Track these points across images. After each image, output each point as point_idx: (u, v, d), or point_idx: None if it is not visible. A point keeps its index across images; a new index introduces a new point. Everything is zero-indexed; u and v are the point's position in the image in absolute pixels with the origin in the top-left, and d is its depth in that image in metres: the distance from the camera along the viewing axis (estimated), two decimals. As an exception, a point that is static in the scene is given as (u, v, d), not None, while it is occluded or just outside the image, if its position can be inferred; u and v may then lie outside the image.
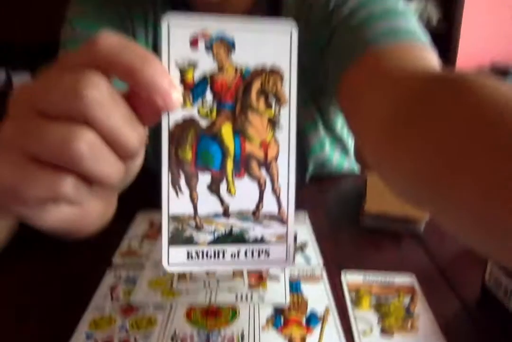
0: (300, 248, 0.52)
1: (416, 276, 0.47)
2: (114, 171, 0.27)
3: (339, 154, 0.76)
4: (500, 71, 2.44)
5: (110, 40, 0.25)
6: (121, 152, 0.26)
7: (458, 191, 0.25)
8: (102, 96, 0.24)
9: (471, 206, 0.24)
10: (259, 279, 0.45)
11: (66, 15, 0.66)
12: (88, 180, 0.26)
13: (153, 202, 0.56)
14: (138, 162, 0.30)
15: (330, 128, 0.72)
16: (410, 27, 0.51)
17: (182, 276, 0.46)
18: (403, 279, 0.47)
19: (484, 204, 0.23)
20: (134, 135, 0.26)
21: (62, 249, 0.52)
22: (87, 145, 0.24)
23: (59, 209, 0.29)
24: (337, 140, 0.74)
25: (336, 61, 0.54)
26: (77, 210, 0.30)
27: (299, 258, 0.50)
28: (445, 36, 2.46)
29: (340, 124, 0.73)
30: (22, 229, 0.56)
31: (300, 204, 0.61)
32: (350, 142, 0.77)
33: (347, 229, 0.57)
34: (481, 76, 0.29)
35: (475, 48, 2.67)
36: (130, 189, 0.64)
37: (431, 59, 0.47)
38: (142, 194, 0.68)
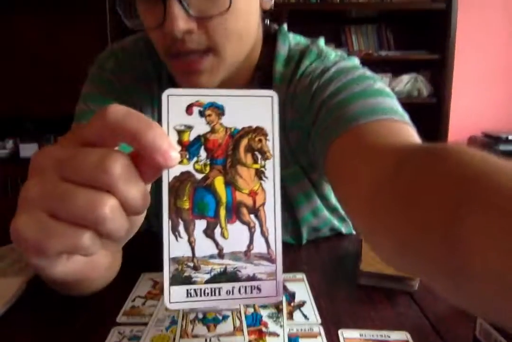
0: (298, 306, 0.54)
1: (411, 333, 0.48)
2: (125, 227, 0.31)
3: (337, 221, 0.79)
4: (492, 138, 2.52)
5: (117, 110, 0.30)
6: (130, 212, 0.30)
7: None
8: (123, 171, 0.29)
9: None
10: (259, 335, 0.47)
11: (81, 91, 0.73)
12: (101, 234, 0.30)
13: (157, 263, 0.60)
14: (141, 217, 0.34)
15: (325, 199, 0.75)
16: (389, 105, 0.56)
17: (184, 334, 0.47)
18: (398, 336, 0.48)
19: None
20: (141, 196, 0.30)
21: (67, 307, 0.54)
22: (110, 209, 0.29)
23: (73, 260, 0.33)
24: (333, 210, 0.77)
25: (321, 138, 0.58)
26: (87, 261, 0.34)
27: (297, 316, 0.52)
28: (436, 108, 2.57)
29: (333, 195, 0.75)
30: (27, 288, 0.59)
31: (298, 265, 0.64)
32: None
33: (343, 287, 0.59)
34: (459, 146, 0.33)
35: (466, 119, 2.77)
36: (135, 251, 0.67)
37: (412, 134, 0.51)
38: (146, 256, 0.70)
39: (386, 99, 0.57)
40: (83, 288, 0.45)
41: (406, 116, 0.55)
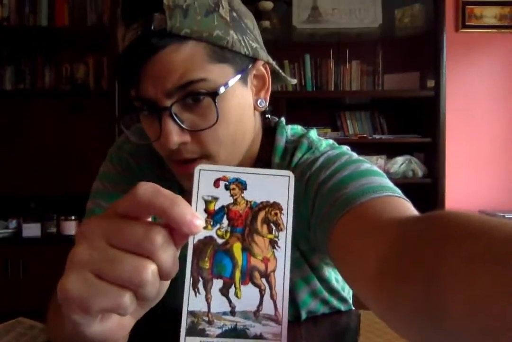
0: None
1: None
2: (157, 291, 0.35)
3: (337, 302, 0.79)
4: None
5: (146, 188, 0.34)
6: (164, 276, 0.35)
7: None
8: (164, 240, 0.34)
9: None
10: None
11: (100, 170, 0.80)
12: (138, 296, 0.34)
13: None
14: (165, 287, 0.38)
15: (325, 282, 0.76)
16: (379, 183, 0.59)
17: None
18: None
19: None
20: (174, 262, 0.35)
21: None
22: (152, 274, 0.34)
23: (108, 320, 0.37)
24: (333, 292, 0.78)
25: (322, 225, 0.61)
26: (118, 323, 0.38)
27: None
28: (432, 188, 2.62)
29: (334, 278, 0.77)
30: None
31: (298, 340, 0.65)
32: (348, 292, 0.81)
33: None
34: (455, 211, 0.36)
35: (462, 198, 2.82)
36: (146, 331, 0.69)
37: (408, 206, 0.54)
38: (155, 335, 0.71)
39: (376, 177, 0.61)
40: None
41: (398, 191, 0.58)
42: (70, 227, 2.59)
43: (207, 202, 0.36)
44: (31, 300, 1.74)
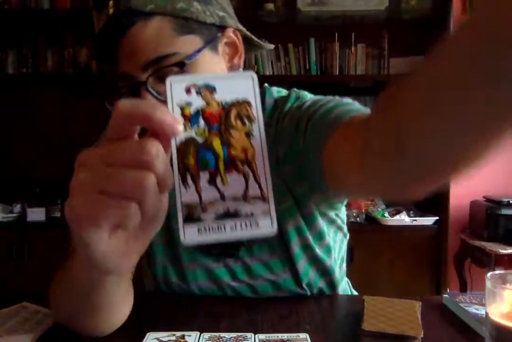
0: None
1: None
2: (157, 205, 0.38)
3: (331, 262, 0.83)
4: (494, 203, 2.55)
5: (125, 103, 0.37)
6: (163, 187, 0.38)
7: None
8: (158, 150, 0.36)
9: None
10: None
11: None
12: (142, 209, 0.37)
13: (162, 323, 0.62)
14: (162, 213, 0.41)
15: (319, 237, 0.81)
16: (362, 107, 0.69)
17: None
18: None
19: None
20: (169, 170, 0.38)
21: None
22: (153, 183, 0.36)
23: (115, 237, 0.40)
24: (327, 250, 0.82)
25: (314, 144, 0.67)
26: (124, 247, 0.41)
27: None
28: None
29: (327, 233, 0.82)
30: None
31: (301, 326, 0.65)
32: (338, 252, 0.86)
33: (347, 346, 0.60)
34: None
35: (467, 184, 2.81)
36: (140, 312, 0.69)
37: None
38: (151, 316, 0.72)
39: (356, 104, 0.71)
40: (107, 294, 0.51)
41: None
42: (75, 211, 2.60)
43: (182, 108, 0.40)
44: (35, 284, 1.75)
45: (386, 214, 2.61)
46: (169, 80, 0.40)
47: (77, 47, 2.75)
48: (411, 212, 2.64)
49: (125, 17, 0.63)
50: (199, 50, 0.66)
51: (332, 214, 0.83)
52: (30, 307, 0.72)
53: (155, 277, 0.83)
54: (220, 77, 0.41)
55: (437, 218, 2.56)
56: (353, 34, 2.76)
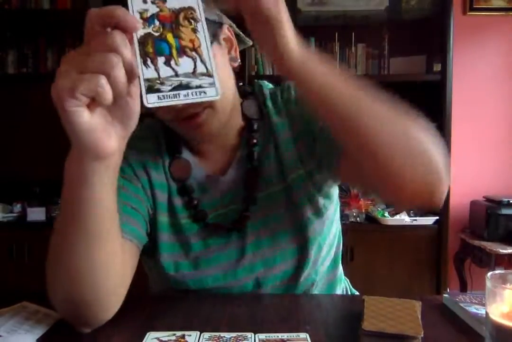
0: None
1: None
2: (125, 85, 0.49)
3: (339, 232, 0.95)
4: (494, 202, 2.54)
5: (93, 9, 0.49)
6: (128, 70, 0.49)
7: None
8: (122, 38, 0.48)
9: None
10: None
11: None
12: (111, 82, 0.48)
13: (161, 323, 0.62)
14: (136, 99, 0.53)
15: (328, 197, 0.88)
16: None
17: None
18: None
19: None
20: (133, 59, 0.50)
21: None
22: (117, 59, 0.47)
23: (95, 115, 0.50)
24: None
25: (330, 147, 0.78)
26: (104, 125, 0.52)
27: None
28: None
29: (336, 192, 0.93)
30: None
31: (301, 325, 0.65)
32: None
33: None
34: None
35: (467, 184, 2.81)
36: (140, 312, 0.69)
37: None
38: (150, 316, 0.72)
39: None
40: (96, 153, 0.54)
41: None
42: (75, 211, 2.60)
43: (140, 13, 0.51)
44: (35, 284, 1.75)
45: (386, 214, 2.61)
46: None
47: (77, 47, 2.74)
48: (411, 211, 2.64)
49: None
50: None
51: (320, 201, 0.86)
52: (30, 307, 0.72)
53: (165, 275, 0.84)
54: None
55: (437, 217, 2.56)
56: (353, 34, 2.76)
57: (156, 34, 0.51)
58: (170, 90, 0.50)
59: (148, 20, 0.51)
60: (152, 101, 0.49)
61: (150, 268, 0.91)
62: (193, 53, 0.52)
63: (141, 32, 0.50)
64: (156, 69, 0.50)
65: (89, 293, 0.63)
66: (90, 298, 0.64)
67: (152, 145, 0.86)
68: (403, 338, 0.59)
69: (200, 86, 0.51)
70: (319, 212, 0.85)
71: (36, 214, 2.61)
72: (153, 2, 0.52)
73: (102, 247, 0.62)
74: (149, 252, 0.83)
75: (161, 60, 0.51)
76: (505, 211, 2.45)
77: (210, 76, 0.51)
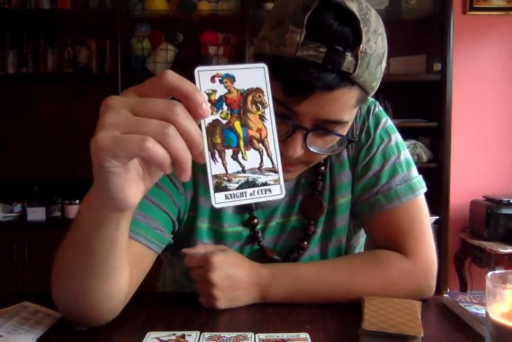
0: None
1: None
2: (183, 150, 0.44)
3: None
4: (494, 202, 2.54)
5: (174, 74, 0.44)
6: (188, 139, 0.44)
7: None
8: (182, 111, 0.44)
9: None
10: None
11: None
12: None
13: (161, 323, 0.62)
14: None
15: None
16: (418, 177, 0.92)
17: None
18: None
19: None
20: (196, 129, 0.44)
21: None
22: (172, 130, 0.43)
23: (129, 173, 0.46)
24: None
25: (368, 203, 0.84)
26: (137, 179, 0.48)
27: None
28: (437, 173, 2.60)
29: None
30: None
31: (301, 326, 0.65)
32: None
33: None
34: None
35: (467, 184, 2.81)
36: (140, 311, 0.69)
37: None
38: (151, 316, 0.72)
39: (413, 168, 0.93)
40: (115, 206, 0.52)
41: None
42: (75, 211, 2.59)
43: (208, 94, 0.47)
44: (35, 283, 1.75)
45: (386, 214, 2.60)
46: (197, 70, 0.46)
47: (77, 47, 2.75)
48: (411, 211, 2.63)
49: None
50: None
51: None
52: (30, 307, 0.72)
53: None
54: (238, 67, 0.48)
55: (437, 217, 2.55)
56: (353, 34, 2.76)
57: (224, 121, 0.47)
58: (237, 188, 0.48)
59: (216, 104, 0.47)
60: (220, 201, 0.47)
61: (173, 263, 0.90)
62: (260, 145, 0.48)
63: (209, 118, 0.47)
64: (224, 164, 0.47)
65: (92, 300, 0.63)
66: (93, 305, 0.64)
67: None
68: (403, 338, 0.59)
69: (265, 184, 0.49)
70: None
71: (36, 213, 2.61)
72: (221, 82, 0.47)
73: (106, 279, 0.62)
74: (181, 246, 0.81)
75: (228, 153, 0.47)
76: (505, 211, 2.46)
77: (276, 172, 0.49)
